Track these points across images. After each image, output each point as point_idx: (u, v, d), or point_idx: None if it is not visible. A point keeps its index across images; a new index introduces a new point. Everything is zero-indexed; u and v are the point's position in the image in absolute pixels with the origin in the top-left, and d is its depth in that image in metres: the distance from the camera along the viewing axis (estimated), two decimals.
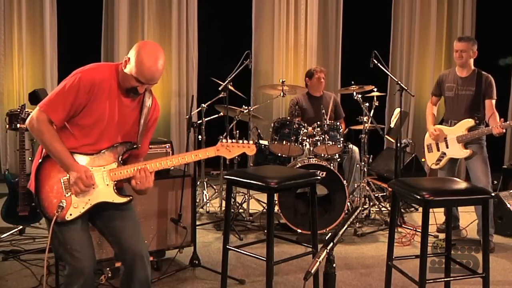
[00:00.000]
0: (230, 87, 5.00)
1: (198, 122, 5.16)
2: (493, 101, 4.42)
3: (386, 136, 5.68)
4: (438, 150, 4.59)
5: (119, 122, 2.54)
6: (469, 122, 4.40)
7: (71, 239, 2.43)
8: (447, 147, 4.52)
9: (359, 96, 5.03)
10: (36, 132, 2.46)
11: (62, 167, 2.46)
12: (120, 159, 2.55)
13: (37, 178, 2.46)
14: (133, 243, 2.55)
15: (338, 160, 5.10)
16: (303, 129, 4.83)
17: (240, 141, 2.67)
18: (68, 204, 2.44)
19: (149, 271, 2.61)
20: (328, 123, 4.79)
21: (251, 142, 2.69)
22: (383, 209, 5.36)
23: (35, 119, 2.44)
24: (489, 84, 4.40)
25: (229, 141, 2.66)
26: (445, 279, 3.13)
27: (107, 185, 2.52)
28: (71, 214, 2.45)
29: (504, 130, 4.23)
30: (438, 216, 4.60)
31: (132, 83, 2.47)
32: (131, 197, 2.60)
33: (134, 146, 2.60)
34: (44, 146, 2.48)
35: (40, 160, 2.48)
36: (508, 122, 4.22)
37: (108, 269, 3.35)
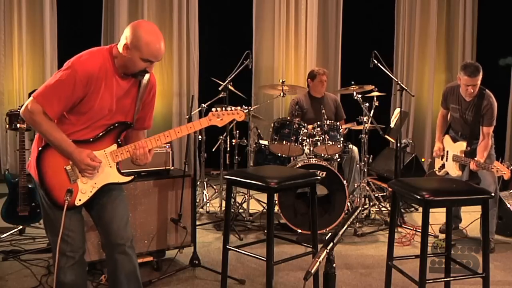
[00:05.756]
0: (230, 87, 5.00)
1: None
2: (490, 128, 4.26)
3: (386, 136, 5.67)
4: (442, 159, 4.60)
5: (118, 104, 2.53)
6: (462, 145, 4.36)
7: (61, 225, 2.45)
8: (447, 160, 4.52)
9: (359, 96, 5.03)
10: (33, 123, 2.43)
11: (63, 155, 2.45)
12: (119, 140, 2.58)
13: (39, 168, 2.45)
14: (119, 235, 2.59)
15: (338, 160, 5.10)
16: (303, 129, 4.83)
17: (229, 109, 2.74)
18: (76, 190, 2.48)
19: (135, 262, 2.65)
20: (328, 123, 4.79)
21: (238, 108, 2.76)
22: (383, 209, 5.35)
23: (30, 110, 2.39)
24: (486, 112, 4.25)
25: (219, 109, 2.72)
26: (445, 279, 3.13)
27: (110, 167, 2.56)
28: (80, 200, 2.50)
29: (479, 169, 4.09)
30: (439, 216, 4.60)
31: (140, 66, 2.44)
32: (134, 176, 2.65)
33: (130, 125, 2.60)
34: (43, 136, 2.45)
35: (40, 148, 2.47)
36: (486, 164, 4.03)
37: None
